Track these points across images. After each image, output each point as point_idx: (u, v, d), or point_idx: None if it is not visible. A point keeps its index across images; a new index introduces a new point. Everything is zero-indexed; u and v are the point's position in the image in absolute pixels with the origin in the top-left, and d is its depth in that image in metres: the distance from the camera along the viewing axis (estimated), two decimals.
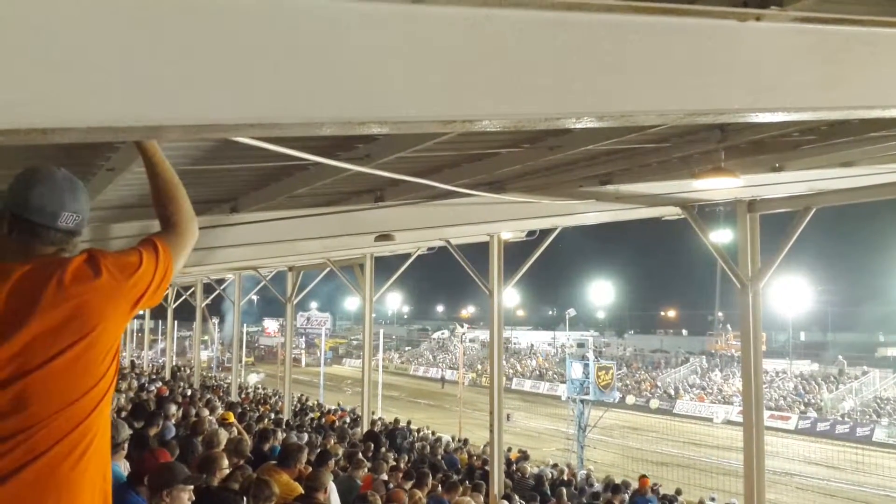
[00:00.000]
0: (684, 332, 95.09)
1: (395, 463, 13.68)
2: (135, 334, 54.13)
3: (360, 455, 11.77)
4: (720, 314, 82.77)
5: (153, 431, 8.91)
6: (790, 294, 60.22)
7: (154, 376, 32.24)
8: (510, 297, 53.44)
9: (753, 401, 12.05)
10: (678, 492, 19.51)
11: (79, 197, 2.12)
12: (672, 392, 59.10)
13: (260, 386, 43.92)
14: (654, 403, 56.79)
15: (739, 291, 12.21)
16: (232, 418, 12.63)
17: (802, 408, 50.40)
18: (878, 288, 77.47)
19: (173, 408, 11.92)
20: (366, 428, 20.39)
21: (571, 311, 66.49)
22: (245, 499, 5.26)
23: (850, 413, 49.25)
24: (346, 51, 2.09)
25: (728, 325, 70.30)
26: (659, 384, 61.88)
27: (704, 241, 12.44)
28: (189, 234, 2.39)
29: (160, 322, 55.29)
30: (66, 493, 1.92)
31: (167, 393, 19.61)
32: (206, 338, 62.43)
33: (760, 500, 11.71)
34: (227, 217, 10.04)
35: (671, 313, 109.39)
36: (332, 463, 9.07)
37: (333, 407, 32.92)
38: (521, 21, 2.33)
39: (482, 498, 12.77)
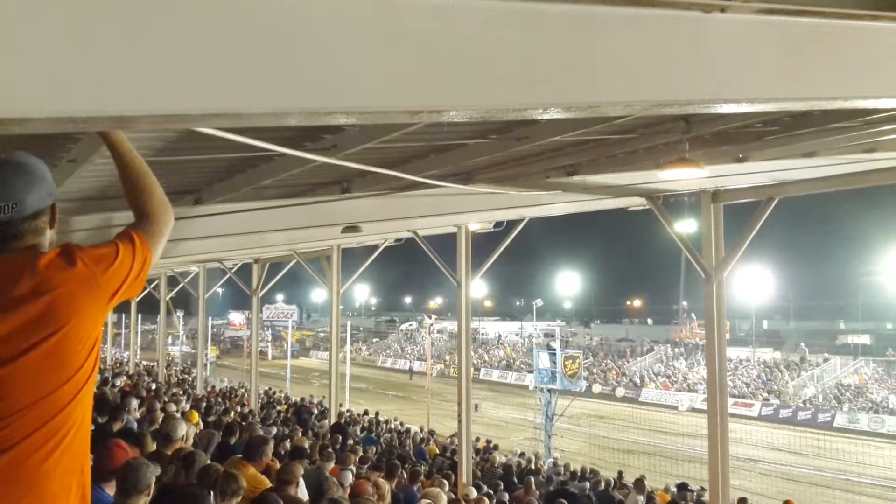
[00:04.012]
0: (649, 321, 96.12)
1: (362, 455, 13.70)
2: None
3: (329, 447, 11.75)
4: (685, 303, 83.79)
5: (117, 426, 8.80)
6: (753, 283, 61.07)
7: (117, 370, 31.84)
8: (478, 288, 53.58)
9: (718, 388, 12.23)
10: (642, 478, 19.73)
11: (12, 184, 2.01)
12: (638, 380, 59.73)
13: (226, 379, 43.59)
14: (620, 392, 57.36)
15: (704, 281, 12.37)
16: (196, 418, 12.49)
17: (765, 395, 51.22)
18: (839, 276, 79.02)
19: (135, 402, 11.76)
20: (333, 420, 20.35)
21: (539, 302, 66.88)
22: (212, 494, 5.21)
23: (812, 399, 50.16)
24: (313, 40, 2.07)
25: (692, 314, 71.11)
26: (625, 373, 62.50)
27: (669, 231, 12.57)
28: (164, 222, 2.37)
29: (123, 315, 54.35)
30: (35, 486, 1.89)
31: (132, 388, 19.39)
32: (180, 333, 61.67)
33: (725, 486, 11.90)
34: (190, 209, 9.93)
35: (637, 303, 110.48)
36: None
37: (300, 398, 32.83)
38: (488, 11, 2.32)
39: (449, 487, 12.81)
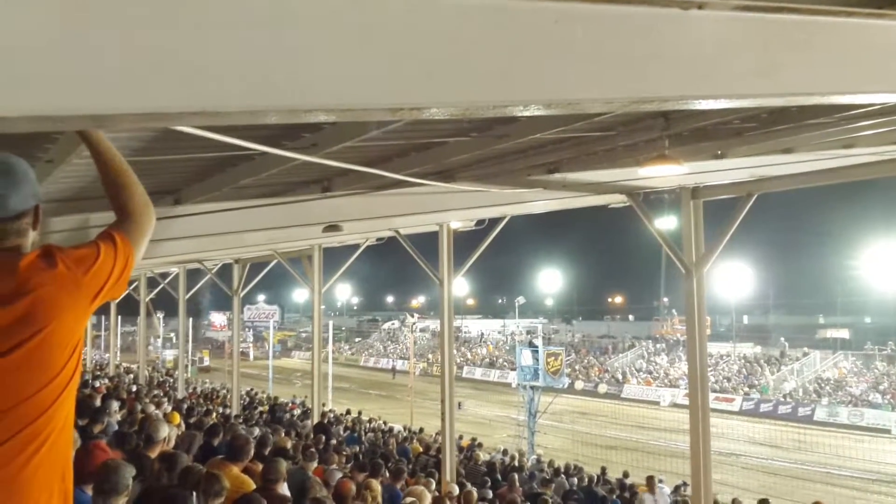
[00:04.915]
0: (631, 317, 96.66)
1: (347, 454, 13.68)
2: None
3: (312, 447, 11.71)
4: (665, 299, 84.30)
5: (97, 429, 8.74)
6: (733, 279, 61.51)
7: (98, 373, 31.59)
8: (460, 286, 53.62)
9: (699, 383, 12.29)
10: (625, 474, 19.90)
11: None
12: (620, 377, 60.05)
13: (208, 381, 43.41)
14: (603, 388, 57.67)
15: (684, 277, 12.43)
16: (178, 420, 12.43)
17: (746, 389, 51.61)
18: (818, 271, 79.79)
19: (116, 404, 11.68)
20: (316, 420, 20.30)
21: (521, 300, 66.84)
22: (195, 494, 5.19)
23: (792, 393, 50.59)
24: (292, 36, 2.06)
25: (673, 310, 71.60)
26: (607, 369, 62.78)
27: (650, 227, 12.62)
28: (145, 221, 2.35)
29: (103, 317, 53.83)
30: (16, 489, 1.86)
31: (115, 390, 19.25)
32: (160, 335, 61.28)
33: (707, 480, 11.97)
34: (170, 209, 9.84)
35: (618, 299, 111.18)
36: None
37: (283, 399, 32.74)
38: (469, 7, 2.32)
39: (434, 485, 12.82)
